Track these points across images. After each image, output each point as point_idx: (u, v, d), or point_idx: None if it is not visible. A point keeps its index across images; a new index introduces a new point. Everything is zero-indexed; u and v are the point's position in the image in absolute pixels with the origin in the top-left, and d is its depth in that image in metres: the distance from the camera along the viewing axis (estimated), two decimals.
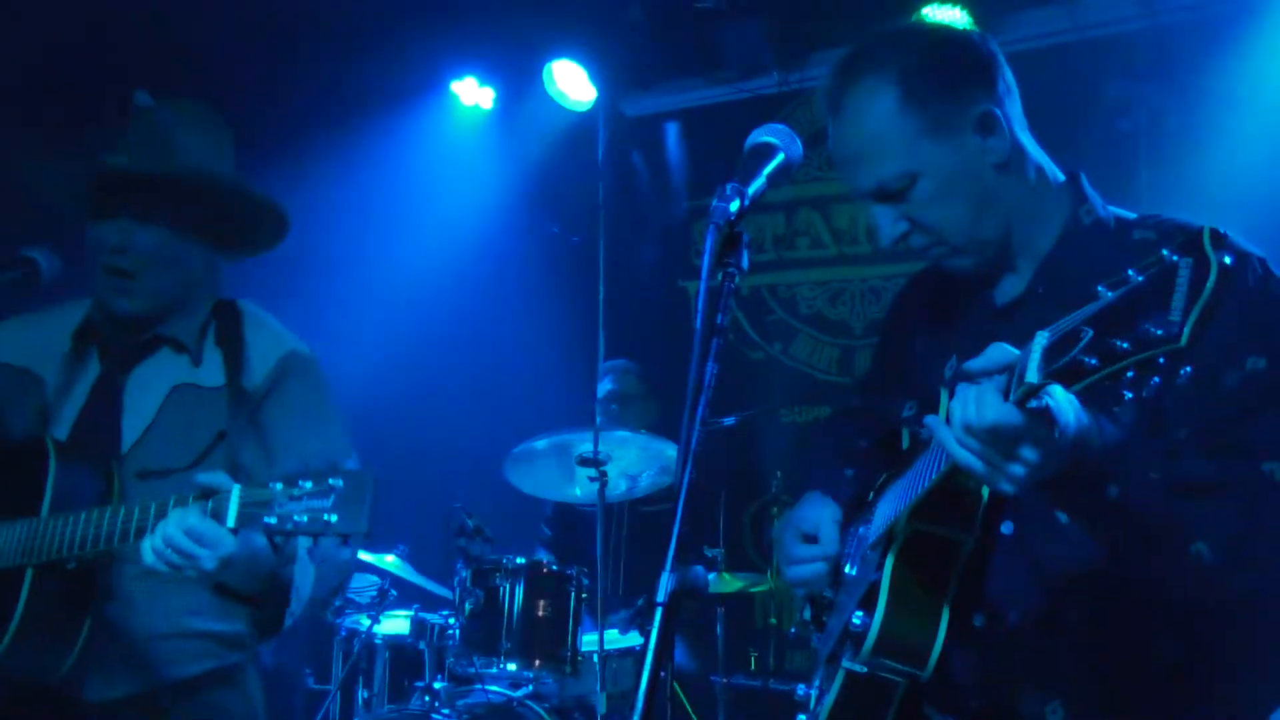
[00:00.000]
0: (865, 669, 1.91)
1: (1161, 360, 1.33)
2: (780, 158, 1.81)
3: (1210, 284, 1.30)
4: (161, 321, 2.55)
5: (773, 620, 6.13)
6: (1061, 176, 2.05)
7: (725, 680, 6.03)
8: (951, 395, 1.90)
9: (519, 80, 7.09)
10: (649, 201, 7.73)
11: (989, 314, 2.07)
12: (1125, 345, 1.34)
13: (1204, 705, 1.82)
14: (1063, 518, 1.82)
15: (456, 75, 7.20)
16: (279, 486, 2.01)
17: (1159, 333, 1.32)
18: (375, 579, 5.63)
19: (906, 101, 1.92)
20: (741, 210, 1.70)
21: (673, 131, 7.72)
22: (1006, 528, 1.89)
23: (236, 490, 2.05)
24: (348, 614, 5.62)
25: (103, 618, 2.34)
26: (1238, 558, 1.68)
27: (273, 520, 2.01)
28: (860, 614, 1.89)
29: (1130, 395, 1.40)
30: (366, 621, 5.45)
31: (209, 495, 2.08)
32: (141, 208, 2.45)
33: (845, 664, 1.95)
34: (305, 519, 1.98)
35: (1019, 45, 5.43)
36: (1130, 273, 1.37)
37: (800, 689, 2.16)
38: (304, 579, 2.42)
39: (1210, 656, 1.81)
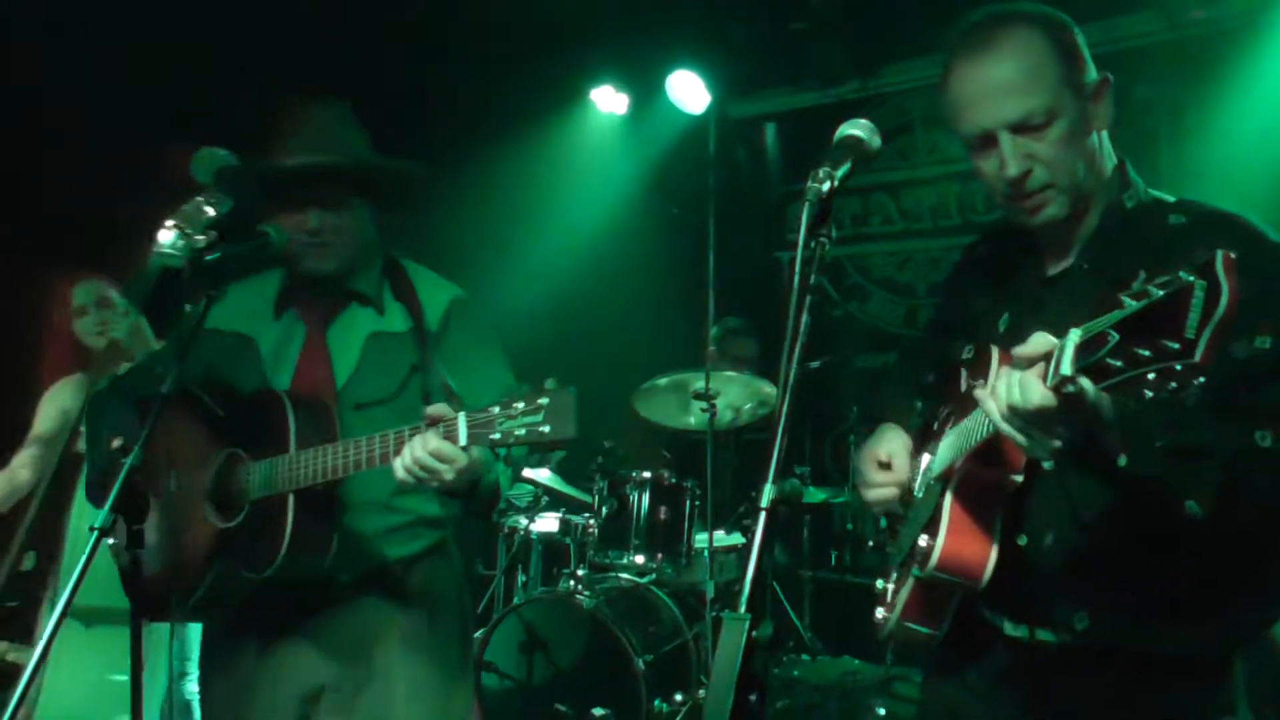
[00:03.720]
0: (930, 578, 1.87)
1: (1178, 368, 1.27)
2: (862, 148, 1.75)
3: (1221, 309, 1.24)
4: (349, 279, 2.58)
5: (849, 526, 6.10)
6: (1114, 160, 1.93)
7: (810, 574, 6.04)
8: (1001, 353, 1.84)
9: (647, 89, 7.07)
10: (750, 188, 7.69)
11: (1039, 281, 1.98)
12: (1146, 354, 1.29)
13: (1208, 620, 1.75)
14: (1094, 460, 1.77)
15: (596, 86, 7.22)
16: (496, 409, 2.00)
17: (1175, 346, 1.26)
18: (531, 488, 5.72)
19: (1056, 51, 1.82)
20: (832, 190, 1.65)
21: (770, 130, 7.67)
22: (1048, 464, 1.83)
23: (463, 415, 2.05)
24: (509, 515, 5.72)
25: (344, 523, 2.40)
26: (1223, 513, 1.60)
27: (497, 436, 2.00)
28: (925, 536, 1.85)
29: (1150, 394, 1.32)
30: (524, 521, 5.54)
31: (437, 421, 2.08)
32: (324, 195, 2.47)
33: (915, 573, 1.91)
34: (524, 432, 1.96)
35: None
36: (1151, 287, 1.30)
37: (880, 583, 2.12)
38: (505, 479, 2.46)
39: (1211, 582, 1.73)
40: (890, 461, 2.13)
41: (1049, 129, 1.81)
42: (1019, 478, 1.80)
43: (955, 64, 1.89)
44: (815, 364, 5.62)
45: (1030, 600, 1.85)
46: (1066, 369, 1.40)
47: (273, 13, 5.56)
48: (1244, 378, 1.59)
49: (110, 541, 2.10)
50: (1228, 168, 5.15)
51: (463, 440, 2.05)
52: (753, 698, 1.37)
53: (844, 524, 6.12)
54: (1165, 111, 5.54)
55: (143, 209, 3.53)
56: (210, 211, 3.42)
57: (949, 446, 1.91)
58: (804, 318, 1.61)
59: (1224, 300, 1.24)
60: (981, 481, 1.83)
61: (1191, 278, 1.26)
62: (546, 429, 1.96)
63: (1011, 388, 1.51)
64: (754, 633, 1.40)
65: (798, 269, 1.61)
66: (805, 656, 5.80)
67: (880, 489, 2.13)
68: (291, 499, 2.27)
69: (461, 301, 2.63)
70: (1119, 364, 1.32)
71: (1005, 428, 1.56)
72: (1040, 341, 1.51)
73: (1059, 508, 1.81)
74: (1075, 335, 1.39)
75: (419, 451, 2.09)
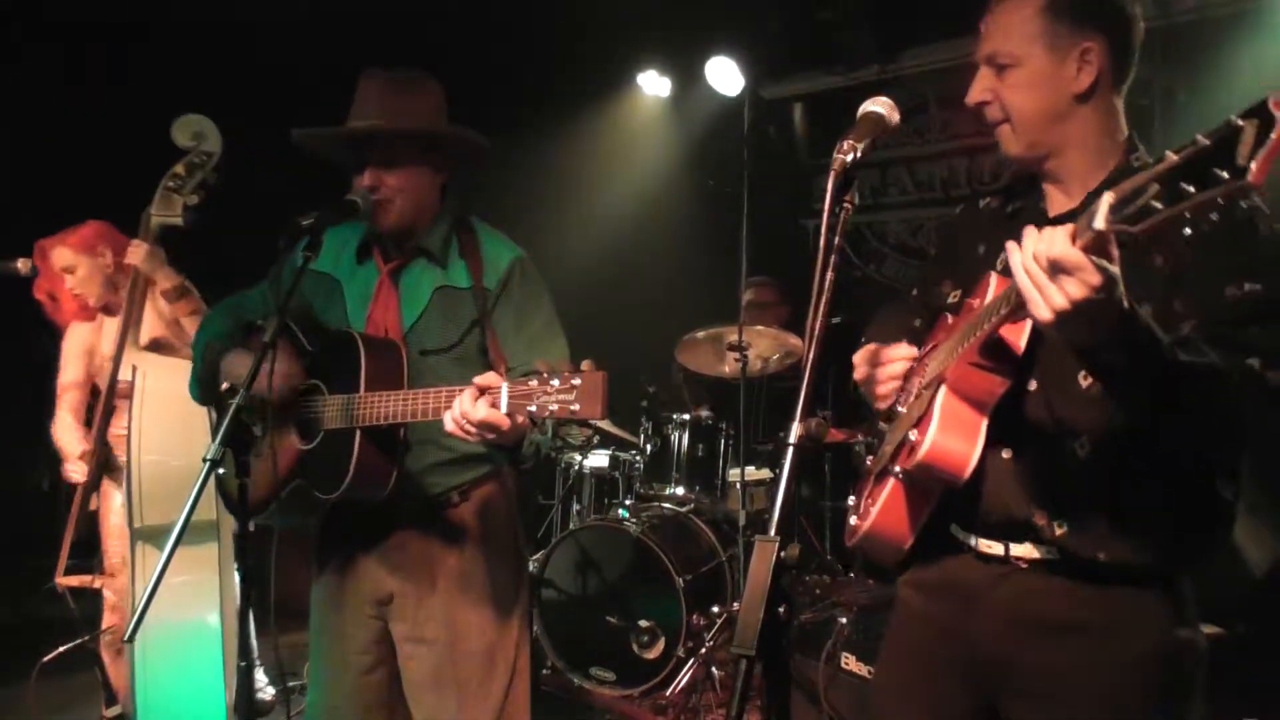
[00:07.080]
0: (914, 477, 1.78)
1: (1226, 189, 1.12)
2: (883, 123, 1.72)
3: (1275, 133, 1.07)
4: (417, 235, 2.55)
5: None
6: (1126, 133, 1.88)
7: (829, 504, 6.03)
8: (999, 279, 1.75)
9: (687, 73, 7.01)
10: (779, 162, 7.61)
11: (1042, 224, 1.91)
12: (1191, 188, 1.15)
13: (1173, 533, 1.69)
14: (1081, 384, 1.68)
15: (642, 71, 7.18)
16: (534, 383, 2.00)
17: (1225, 175, 1.12)
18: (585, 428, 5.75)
19: (1045, 11, 1.79)
20: (856, 161, 1.61)
21: (798, 110, 7.58)
22: (1032, 385, 1.76)
23: (505, 387, 2.05)
24: (566, 452, 5.76)
25: (404, 458, 2.41)
26: (1208, 427, 1.55)
27: (534, 409, 2.00)
28: (914, 432, 1.76)
29: (1189, 232, 1.18)
30: (579, 457, 5.58)
31: (484, 389, 2.08)
32: (380, 156, 2.44)
33: (898, 470, 1.82)
34: (556, 407, 1.97)
35: None
36: (1197, 136, 1.17)
37: (850, 499, 2.04)
38: (544, 443, 2.45)
39: (1179, 496, 1.68)
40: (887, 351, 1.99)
41: (1009, 72, 1.81)
42: (1005, 385, 1.72)
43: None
44: (837, 319, 5.55)
45: (1011, 509, 1.78)
46: (1099, 224, 1.27)
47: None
48: (1235, 315, 1.56)
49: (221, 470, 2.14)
50: None
51: (504, 409, 2.06)
52: (781, 610, 1.38)
53: (861, 463, 6.10)
54: (1158, 92, 5.40)
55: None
56: (198, 174, 3.40)
57: (942, 356, 1.82)
58: (829, 277, 1.59)
59: (1278, 127, 1.09)
60: (975, 382, 1.73)
61: (1241, 121, 1.14)
62: (576, 407, 1.96)
63: (1040, 239, 1.40)
64: (783, 553, 1.40)
65: (824, 233, 1.59)
66: (826, 576, 5.82)
67: (892, 364, 1.98)
68: (358, 434, 2.29)
69: (521, 263, 2.59)
70: (1159, 205, 1.19)
71: (1021, 277, 1.42)
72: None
73: (1043, 425, 1.75)
74: (1109, 195, 1.26)
75: (468, 407, 2.09)
